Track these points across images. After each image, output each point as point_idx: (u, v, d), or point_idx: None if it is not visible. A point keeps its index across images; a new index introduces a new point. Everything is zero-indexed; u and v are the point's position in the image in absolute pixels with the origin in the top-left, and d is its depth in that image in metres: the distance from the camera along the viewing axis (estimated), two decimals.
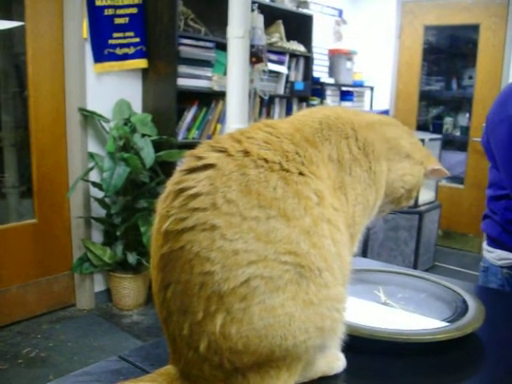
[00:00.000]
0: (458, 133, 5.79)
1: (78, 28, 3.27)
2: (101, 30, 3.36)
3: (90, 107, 3.37)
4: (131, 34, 3.50)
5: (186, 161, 0.70)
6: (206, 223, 0.63)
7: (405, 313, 1.00)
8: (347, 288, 0.73)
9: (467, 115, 5.57)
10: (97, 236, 3.55)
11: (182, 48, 3.49)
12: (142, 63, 3.58)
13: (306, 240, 0.66)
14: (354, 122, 0.83)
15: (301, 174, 0.69)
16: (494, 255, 1.66)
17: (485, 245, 1.74)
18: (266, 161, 0.67)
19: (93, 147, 3.45)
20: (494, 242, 1.66)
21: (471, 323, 0.92)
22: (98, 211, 3.46)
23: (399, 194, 0.88)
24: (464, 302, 1.02)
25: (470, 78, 5.54)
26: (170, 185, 0.69)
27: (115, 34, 3.44)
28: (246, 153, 0.68)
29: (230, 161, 0.67)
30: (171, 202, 0.66)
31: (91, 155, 3.38)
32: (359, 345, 0.84)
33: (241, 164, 0.66)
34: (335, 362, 0.79)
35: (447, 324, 0.93)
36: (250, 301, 0.62)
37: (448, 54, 5.95)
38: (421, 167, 0.90)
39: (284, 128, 0.75)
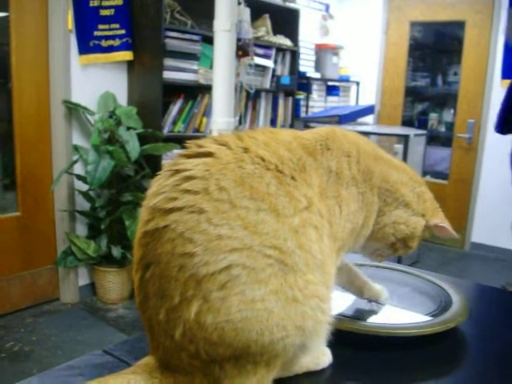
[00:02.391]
0: (442, 129, 5.83)
1: (63, 19, 3.23)
2: (86, 21, 3.33)
3: (74, 99, 3.34)
4: (117, 25, 3.47)
5: (187, 147, 0.72)
6: (194, 206, 0.63)
7: (389, 307, 1.01)
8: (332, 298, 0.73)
9: (452, 111, 5.60)
10: (81, 229, 3.53)
11: (167, 41, 3.47)
12: (127, 55, 3.55)
13: (293, 238, 0.66)
14: (360, 146, 0.83)
15: (293, 178, 0.70)
16: None
17: None
18: (263, 159, 0.69)
19: (77, 140, 3.42)
20: None
21: (455, 317, 0.93)
22: (83, 204, 3.44)
23: (390, 240, 0.87)
24: (448, 296, 1.03)
25: (455, 74, 5.58)
26: (168, 165, 0.70)
27: (100, 26, 3.41)
28: (246, 149, 0.70)
29: (228, 153, 0.69)
30: (165, 181, 0.67)
31: (76, 148, 3.35)
32: (344, 339, 0.84)
33: (239, 158, 0.68)
34: (321, 357, 0.79)
35: (431, 318, 0.94)
36: (229, 290, 0.61)
37: (433, 50, 5.98)
38: (420, 219, 0.88)
39: (284, 135, 0.77)
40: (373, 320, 0.93)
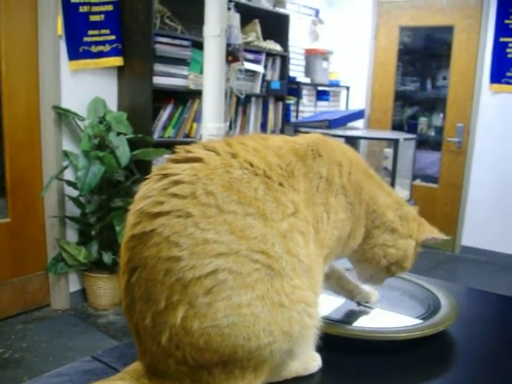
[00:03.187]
0: (432, 133, 5.86)
1: (53, 25, 3.23)
2: (76, 27, 3.33)
3: (64, 105, 3.33)
4: (106, 31, 3.47)
5: (176, 153, 0.72)
6: (181, 210, 0.63)
7: (379, 311, 1.01)
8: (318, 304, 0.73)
9: (441, 115, 5.64)
10: (71, 235, 3.51)
11: (157, 46, 3.47)
12: (117, 61, 3.55)
13: (281, 243, 0.66)
14: (352, 160, 0.84)
15: (280, 184, 0.70)
16: None
17: None
18: (251, 165, 0.69)
19: (67, 145, 3.41)
20: None
21: (444, 320, 0.93)
22: (73, 210, 3.43)
23: (382, 264, 0.88)
24: (437, 299, 1.03)
25: (444, 78, 5.61)
26: (156, 170, 0.70)
27: (90, 32, 3.40)
28: (234, 155, 0.70)
29: (217, 158, 0.69)
30: (153, 185, 0.67)
31: (66, 154, 3.34)
32: (333, 343, 0.84)
33: (227, 163, 0.68)
34: (310, 362, 0.79)
35: (420, 321, 0.94)
36: (215, 295, 0.61)
37: (423, 54, 6.02)
38: (409, 240, 0.89)
39: (274, 141, 0.78)
40: (362, 324, 0.93)
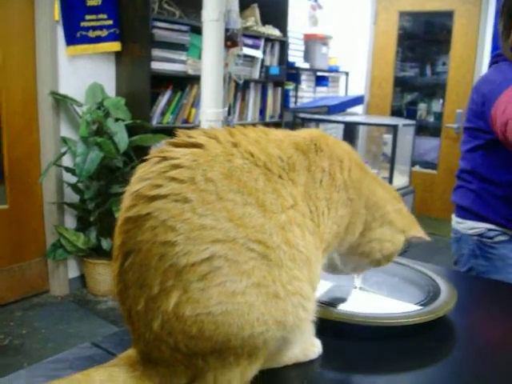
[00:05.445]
0: (431, 119, 5.85)
1: (50, 10, 3.20)
2: (73, 12, 3.30)
3: (62, 91, 3.31)
4: (104, 16, 3.44)
5: (176, 136, 0.71)
6: (179, 194, 0.62)
7: (379, 297, 1.01)
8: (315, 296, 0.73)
9: (441, 101, 5.62)
10: (70, 222, 3.51)
11: (156, 31, 3.45)
12: (115, 46, 3.52)
13: (279, 234, 0.65)
14: (351, 156, 0.83)
15: (280, 176, 0.70)
16: (464, 226, 1.76)
17: (454, 217, 1.83)
18: (252, 155, 0.68)
19: (65, 132, 3.40)
20: (465, 212, 1.75)
21: (443, 306, 0.93)
22: (71, 196, 3.42)
23: (376, 257, 0.88)
24: (436, 285, 1.03)
25: (444, 64, 5.59)
26: (155, 152, 0.69)
27: (88, 17, 3.38)
28: (235, 144, 0.69)
29: (218, 146, 0.68)
30: (150, 167, 0.66)
31: (64, 140, 3.33)
32: (334, 329, 0.84)
33: (228, 151, 0.67)
34: (310, 348, 0.79)
35: (420, 307, 0.94)
36: (209, 281, 0.60)
37: (422, 40, 5.98)
38: (401, 236, 0.89)
39: (275, 134, 0.76)
40: (363, 310, 0.93)
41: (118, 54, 3.60)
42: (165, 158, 0.66)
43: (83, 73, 3.44)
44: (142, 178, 0.66)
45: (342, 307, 0.94)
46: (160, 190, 0.63)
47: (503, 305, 1.12)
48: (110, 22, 3.46)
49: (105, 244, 3.30)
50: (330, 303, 0.94)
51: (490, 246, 1.69)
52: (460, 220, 1.78)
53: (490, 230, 1.69)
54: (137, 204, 0.64)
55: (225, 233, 0.62)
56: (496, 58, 1.74)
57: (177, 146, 0.68)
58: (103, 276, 3.44)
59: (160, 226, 0.61)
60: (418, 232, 0.92)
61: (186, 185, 0.63)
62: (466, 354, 0.87)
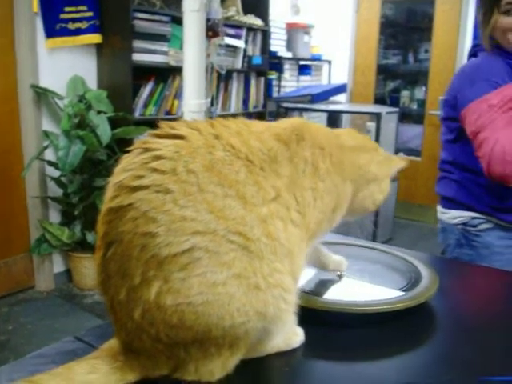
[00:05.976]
0: (414, 106, 5.87)
1: (28, 1, 3.16)
2: (52, 3, 3.26)
3: (42, 84, 3.28)
4: (84, 7, 3.40)
5: (159, 127, 0.71)
6: (161, 185, 0.63)
7: (360, 283, 1.02)
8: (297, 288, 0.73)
9: (423, 88, 5.64)
10: (54, 216, 3.49)
11: (136, 22, 3.42)
12: (95, 38, 3.49)
13: (260, 226, 0.66)
14: (329, 138, 0.84)
15: (262, 168, 0.70)
16: (448, 216, 1.78)
17: (439, 207, 1.84)
18: (234, 147, 0.69)
19: (47, 125, 3.37)
20: (449, 202, 1.77)
21: (425, 292, 0.94)
22: (55, 190, 3.40)
23: (370, 209, 0.93)
24: (418, 271, 1.04)
25: (426, 51, 5.60)
26: (138, 143, 0.69)
27: (67, 8, 3.34)
28: (217, 136, 0.69)
29: (200, 138, 0.68)
30: (133, 158, 0.66)
31: (46, 133, 3.30)
32: (316, 317, 0.85)
33: (209, 143, 0.68)
34: (292, 337, 0.79)
35: (402, 293, 0.95)
36: (190, 271, 0.61)
37: (405, 27, 5.99)
38: (387, 180, 0.93)
39: (256, 126, 0.76)
40: (345, 298, 0.93)
41: (98, 46, 3.56)
42: (147, 149, 0.66)
43: (64, 65, 3.40)
44: (124, 168, 0.66)
45: (324, 295, 0.94)
46: (142, 180, 0.63)
47: (485, 290, 1.13)
48: (90, 14, 3.43)
49: (90, 237, 3.28)
50: (313, 291, 0.95)
51: (474, 234, 1.71)
52: (444, 210, 1.80)
53: (474, 218, 1.70)
54: (119, 194, 0.64)
55: (205, 224, 0.62)
56: (475, 49, 1.75)
57: (160, 137, 0.69)
58: (89, 270, 3.43)
59: (141, 216, 0.62)
60: (398, 165, 0.95)
61: (167, 176, 0.63)
62: (447, 340, 0.88)
